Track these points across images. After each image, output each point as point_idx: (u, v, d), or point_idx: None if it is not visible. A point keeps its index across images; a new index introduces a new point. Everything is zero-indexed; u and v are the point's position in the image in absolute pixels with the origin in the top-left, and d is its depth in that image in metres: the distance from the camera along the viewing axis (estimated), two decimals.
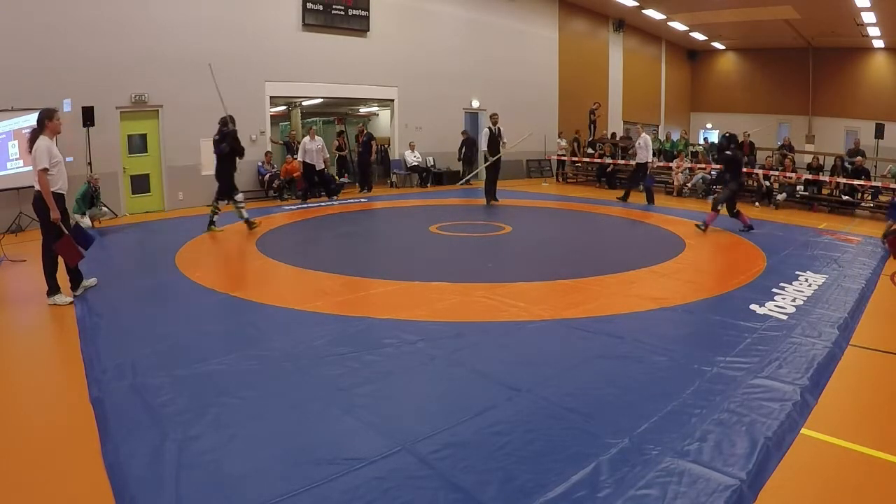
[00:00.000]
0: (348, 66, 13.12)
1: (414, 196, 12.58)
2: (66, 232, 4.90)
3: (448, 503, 2.23)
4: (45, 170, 4.72)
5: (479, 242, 7.76)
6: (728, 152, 8.66)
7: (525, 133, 11.46)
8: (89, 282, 5.33)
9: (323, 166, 11.95)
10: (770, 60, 22.05)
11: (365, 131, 13.48)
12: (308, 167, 11.71)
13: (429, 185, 14.46)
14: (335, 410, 2.97)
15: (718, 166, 10.42)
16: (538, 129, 17.32)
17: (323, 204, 11.26)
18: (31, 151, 4.86)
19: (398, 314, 4.52)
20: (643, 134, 11.76)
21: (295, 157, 12.23)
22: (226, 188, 8.37)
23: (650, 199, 11.36)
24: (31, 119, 8.78)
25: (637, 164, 11.80)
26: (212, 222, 8.31)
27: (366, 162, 13.28)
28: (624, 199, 11.70)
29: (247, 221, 8.37)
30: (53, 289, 4.98)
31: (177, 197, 10.81)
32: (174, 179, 10.78)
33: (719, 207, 8.45)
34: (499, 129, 11.10)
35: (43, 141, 4.80)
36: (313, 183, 11.95)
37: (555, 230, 8.90)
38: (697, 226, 8.50)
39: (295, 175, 11.94)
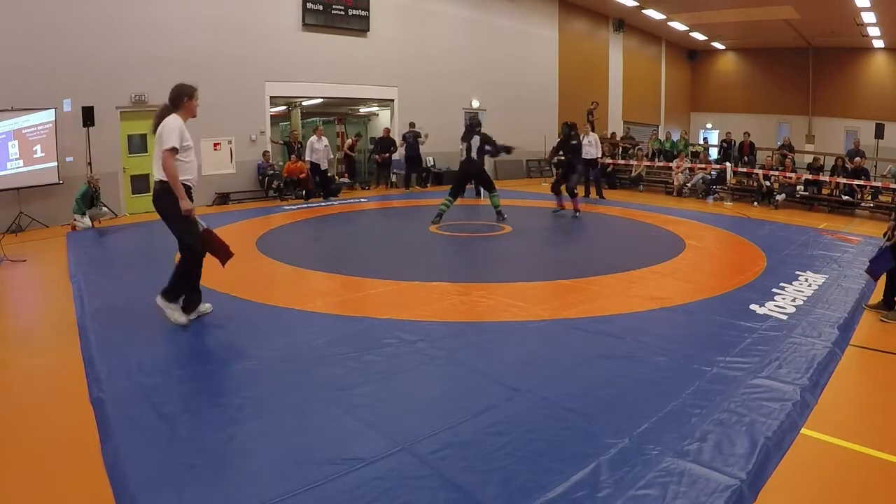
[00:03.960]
0: (348, 66, 13.13)
1: (414, 196, 12.58)
2: (205, 225, 4.22)
3: (448, 503, 2.23)
4: (175, 150, 3.92)
5: (479, 242, 7.76)
6: (574, 142, 9.76)
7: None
8: (205, 307, 4.44)
9: (327, 166, 11.99)
10: (770, 60, 22.05)
11: (410, 129, 13.60)
12: (314, 166, 11.75)
13: (429, 184, 14.46)
14: (335, 410, 2.97)
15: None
16: (538, 129, 17.36)
17: (323, 204, 11.26)
18: (154, 130, 4.02)
19: (398, 314, 4.51)
20: (591, 133, 12.73)
21: (295, 156, 12.25)
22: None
23: (599, 193, 12.48)
24: (32, 119, 8.87)
25: (585, 159, 12.26)
26: (500, 213, 8.85)
27: (415, 160, 13.59)
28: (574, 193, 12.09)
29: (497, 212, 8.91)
30: (176, 297, 4.19)
31: None
32: None
33: (577, 191, 9.53)
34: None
35: (176, 119, 4.01)
36: (315, 183, 11.98)
37: (554, 230, 8.90)
38: (575, 216, 9.39)
39: (301, 176, 11.97)
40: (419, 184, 14.15)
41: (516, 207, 10.85)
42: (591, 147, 12.21)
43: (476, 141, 8.65)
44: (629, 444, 2.61)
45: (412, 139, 13.44)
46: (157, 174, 4.03)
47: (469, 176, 9.06)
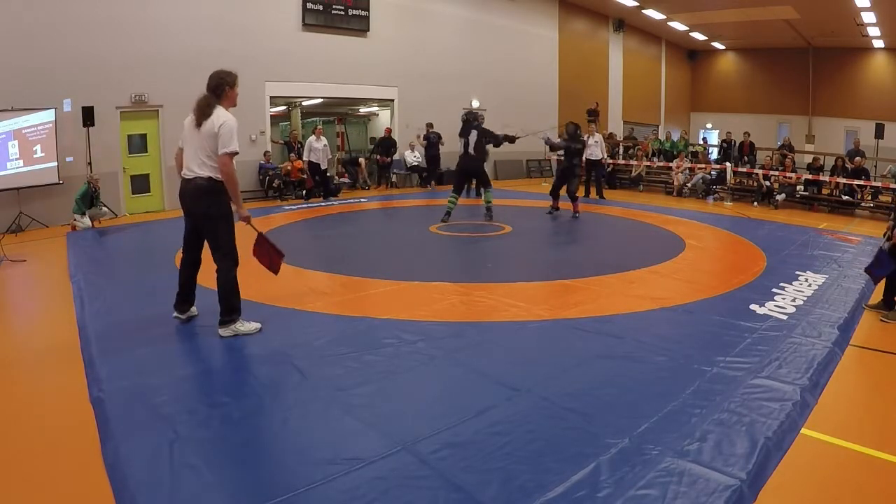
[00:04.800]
0: (348, 66, 13.13)
1: (414, 196, 12.58)
2: (259, 231, 4.09)
3: (448, 503, 2.23)
4: (236, 153, 3.75)
5: (479, 242, 7.76)
6: (577, 145, 9.62)
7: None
8: (193, 310, 4.34)
9: (326, 166, 12.00)
10: (770, 60, 22.05)
11: (430, 130, 13.74)
12: (313, 166, 11.75)
13: (430, 185, 14.46)
14: (335, 410, 2.97)
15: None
16: (538, 130, 17.36)
17: (323, 204, 11.26)
18: (199, 125, 3.72)
19: (398, 314, 4.51)
20: (596, 133, 12.69)
21: (294, 155, 12.27)
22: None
23: (599, 193, 12.46)
24: (32, 119, 8.87)
25: (588, 160, 12.26)
26: (489, 209, 8.85)
27: (436, 160, 13.83)
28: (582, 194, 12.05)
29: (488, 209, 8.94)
30: (235, 310, 3.96)
31: (177, 197, 10.81)
32: (174, 179, 10.64)
33: (578, 194, 9.46)
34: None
35: (231, 117, 3.76)
36: (315, 182, 11.99)
37: (554, 230, 8.90)
38: (574, 217, 9.29)
39: (303, 175, 12.01)
40: (424, 184, 14.18)
41: (516, 207, 10.86)
42: (595, 147, 12.17)
43: (473, 136, 8.55)
44: (629, 444, 2.61)
45: (436, 139, 13.60)
46: (197, 170, 3.77)
47: (467, 172, 8.96)
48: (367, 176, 14.11)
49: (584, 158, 12.30)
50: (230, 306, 3.95)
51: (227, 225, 3.88)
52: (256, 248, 4.18)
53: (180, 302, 4.25)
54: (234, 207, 3.92)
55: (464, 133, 8.67)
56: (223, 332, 3.95)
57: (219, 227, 3.88)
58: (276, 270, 4.35)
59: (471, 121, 8.71)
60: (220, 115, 3.74)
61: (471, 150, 8.59)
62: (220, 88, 3.83)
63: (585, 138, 12.14)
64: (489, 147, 8.86)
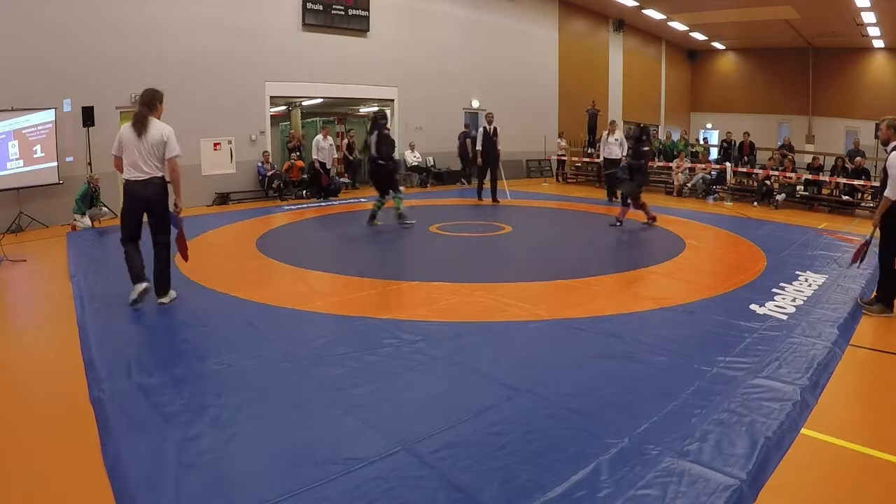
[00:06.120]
0: (348, 66, 13.14)
1: (414, 196, 12.57)
2: (180, 226, 4.84)
3: (448, 503, 2.23)
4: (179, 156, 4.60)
5: (479, 242, 7.76)
6: (646, 147, 8.75)
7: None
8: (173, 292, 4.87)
9: (331, 165, 12.03)
10: (770, 60, 22.07)
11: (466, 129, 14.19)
12: (321, 164, 11.78)
13: (429, 184, 14.47)
14: (335, 410, 2.97)
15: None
16: (538, 129, 17.36)
17: (322, 204, 11.26)
18: (140, 135, 4.44)
19: (398, 314, 4.52)
20: (617, 131, 12.04)
21: (295, 155, 12.28)
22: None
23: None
24: (32, 119, 8.87)
25: (606, 159, 11.77)
26: (373, 216, 8.43)
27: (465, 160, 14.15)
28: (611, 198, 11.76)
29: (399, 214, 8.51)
30: (167, 285, 4.77)
31: None
32: None
33: (629, 200, 8.58)
34: (494, 128, 11.08)
35: (169, 127, 4.53)
36: (318, 182, 12.00)
37: (555, 230, 8.90)
38: (650, 223, 8.65)
39: (303, 175, 12.04)
40: (424, 184, 14.21)
41: (516, 207, 10.87)
42: (615, 146, 11.60)
43: (374, 137, 8.07)
44: (629, 444, 2.61)
45: (463, 139, 13.96)
46: (150, 171, 4.51)
47: (372, 175, 8.37)
48: (358, 151, 13.99)
49: (602, 157, 12.01)
50: (169, 277, 4.76)
51: (168, 217, 4.67)
52: (180, 238, 4.90)
53: (157, 288, 4.70)
54: (176, 199, 4.70)
55: (371, 131, 8.20)
56: (165, 300, 4.68)
57: (167, 215, 4.67)
58: (186, 258, 5.05)
59: (378, 119, 8.22)
60: (162, 125, 4.51)
61: (373, 152, 8.12)
62: (153, 103, 4.56)
63: (618, 137, 11.59)
64: None
